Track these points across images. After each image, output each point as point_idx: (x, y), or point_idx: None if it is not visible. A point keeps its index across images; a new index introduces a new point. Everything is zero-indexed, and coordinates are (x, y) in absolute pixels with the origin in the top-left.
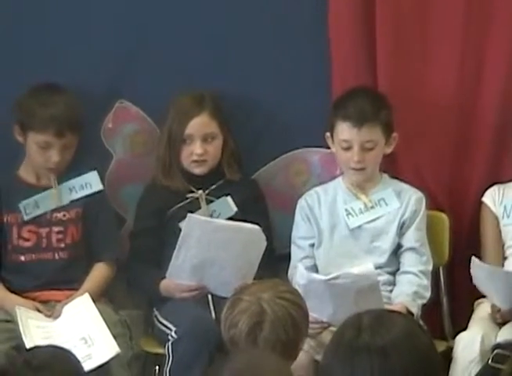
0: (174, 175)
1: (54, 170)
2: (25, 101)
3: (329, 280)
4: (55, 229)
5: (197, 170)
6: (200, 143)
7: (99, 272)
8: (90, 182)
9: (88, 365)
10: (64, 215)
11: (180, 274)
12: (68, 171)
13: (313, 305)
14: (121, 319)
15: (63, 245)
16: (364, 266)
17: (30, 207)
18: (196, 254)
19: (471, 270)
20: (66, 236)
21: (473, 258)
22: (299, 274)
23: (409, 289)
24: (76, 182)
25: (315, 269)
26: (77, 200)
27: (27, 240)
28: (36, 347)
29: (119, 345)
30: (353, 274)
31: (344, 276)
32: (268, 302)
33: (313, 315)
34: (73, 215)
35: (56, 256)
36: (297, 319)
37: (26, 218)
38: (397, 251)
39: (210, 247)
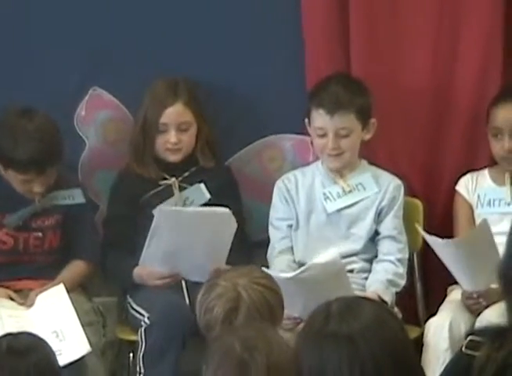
0: (148, 162)
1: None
2: (1, 136)
3: (295, 276)
4: (34, 234)
5: (172, 157)
6: (175, 132)
7: (76, 266)
8: (73, 196)
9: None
10: (43, 222)
11: (152, 261)
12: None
13: (285, 301)
14: (94, 306)
15: (40, 251)
16: (328, 254)
17: (13, 220)
18: (168, 243)
19: (433, 248)
20: (44, 242)
21: (423, 234)
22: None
23: (384, 277)
24: (60, 194)
25: (292, 251)
26: (59, 207)
27: (4, 243)
28: (10, 333)
29: (92, 333)
30: (319, 265)
31: (310, 269)
32: (244, 287)
33: (285, 311)
34: (53, 221)
35: (33, 260)
36: (273, 304)
37: (8, 229)
38: (374, 237)
39: (181, 234)
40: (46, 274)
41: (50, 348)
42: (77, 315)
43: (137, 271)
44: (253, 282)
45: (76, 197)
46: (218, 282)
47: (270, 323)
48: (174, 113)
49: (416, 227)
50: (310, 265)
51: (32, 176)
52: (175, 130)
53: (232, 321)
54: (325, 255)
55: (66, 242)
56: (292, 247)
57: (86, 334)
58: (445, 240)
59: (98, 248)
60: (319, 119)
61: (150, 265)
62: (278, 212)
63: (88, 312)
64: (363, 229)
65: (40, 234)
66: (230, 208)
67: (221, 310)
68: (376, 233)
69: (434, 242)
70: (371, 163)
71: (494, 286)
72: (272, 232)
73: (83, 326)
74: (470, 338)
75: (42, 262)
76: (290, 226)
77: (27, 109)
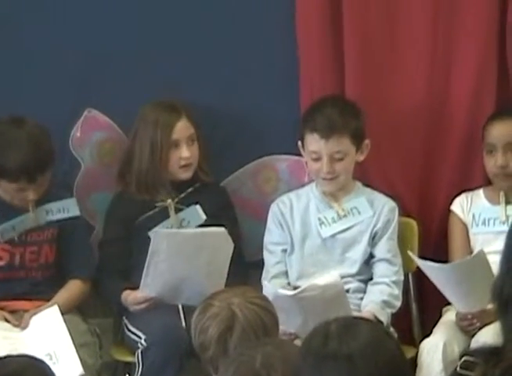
0: (160, 186)
1: (31, 202)
2: None
3: (295, 295)
4: (30, 248)
5: (184, 175)
6: (186, 147)
7: (73, 286)
8: (68, 208)
9: None
10: (39, 236)
11: (152, 289)
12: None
13: (281, 317)
14: (90, 328)
15: (36, 265)
16: (329, 276)
17: (7, 232)
18: (167, 268)
19: (425, 272)
20: (40, 256)
21: (416, 260)
22: (265, 291)
23: (379, 298)
24: (54, 205)
25: (286, 275)
26: (53, 221)
27: (0, 258)
28: (8, 356)
29: (88, 354)
30: (319, 286)
31: (310, 289)
32: (238, 307)
33: (281, 327)
34: (48, 235)
35: (29, 275)
36: (268, 324)
37: (1, 240)
38: (368, 260)
39: (179, 258)
40: (42, 290)
41: (47, 369)
42: (73, 336)
43: (123, 296)
44: (247, 301)
45: (70, 209)
46: (212, 302)
47: None
48: (183, 127)
49: (409, 254)
50: (310, 285)
51: (24, 184)
52: (186, 144)
53: (227, 341)
54: (326, 277)
55: (61, 257)
56: (286, 272)
57: (81, 355)
58: (440, 265)
59: (93, 265)
60: (314, 143)
61: (150, 293)
62: (272, 236)
63: (84, 334)
64: (358, 252)
65: (35, 248)
66: (226, 229)
67: (216, 330)
68: (371, 255)
69: (428, 266)
70: (365, 185)
71: (488, 307)
72: (266, 256)
73: (77, 348)
74: (464, 358)
75: (38, 277)
76: (285, 251)
77: (17, 117)
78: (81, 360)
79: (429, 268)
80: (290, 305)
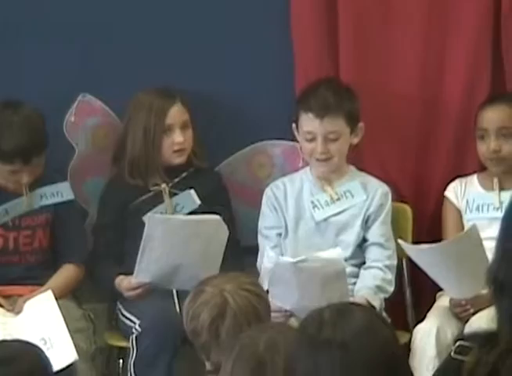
0: (153, 172)
1: (25, 185)
2: None
3: (297, 262)
4: (24, 233)
5: (177, 160)
6: (180, 132)
7: (67, 271)
8: (61, 192)
9: None
10: (33, 220)
11: (146, 275)
12: (39, 175)
13: (278, 292)
14: (84, 313)
15: (30, 249)
16: (332, 251)
17: (0, 215)
18: (161, 254)
19: (411, 256)
20: (33, 240)
21: (399, 241)
22: (267, 257)
23: (372, 283)
24: (47, 189)
25: None
26: (48, 206)
27: None
28: (3, 341)
29: (82, 339)
30: (321, 258)
31: (312, 260)
32: (230, 293)
33: (276, 303)
34: (42, 220)
35: (23, 260)
36: (260, 310)
37: None
38: (362, 244)
39: (173, 245)
40: (36, 275)
41: (41, 354)
42: (67, 321)
43: (117, 281)
44: (239, 288)
45: (64, 193)
46: (204, 288)
47: None
48: (177, 112)
49: (400, 242)
50: (313, 256)
51: (19, 166)
52: (180, 129)
53: (219, 327)
54: (328, 252)
55: (55, 242)
56: (282, 256)
57: (76, 340)
58: (429, 246)
59: (87, 250)
60: (308, 123)
61: (144, 278)
62: (267, 221)
63: (79, 319)
64: (351, 236)
65: (29, 232)
66: (220, 215)
67: (208, 316)
68: (364, 239)
69: (419, 251)
70: (359, 169)
71: (481, 292)
72: (261, 241)
73: (71, 333)
74: (459, 343)
75: (32, 262)
76: (280, 235)
77: (12, 101)
78: (75, 346)
79: (420, 252)
80: (289, 276)
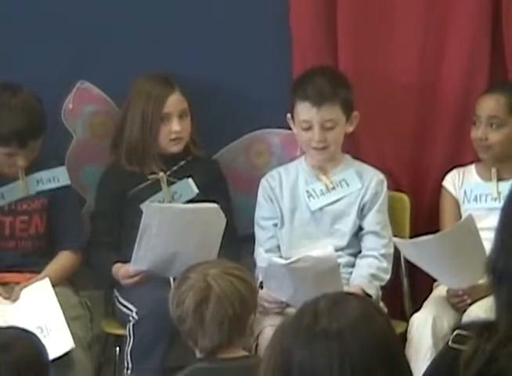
0: (149, 159)
1: (21, 168)
2: None
3: (289, 264)
4: (20, 218)
5: (174, 148)
6: (177, 120)
7: (64, 258)
8: (58, 176)
9: None
10: (29, 205)
11: (143, 263)
12: (35, 160)
13: (273, 285)
14: (81, 300)
15: (26, 235)
16: (324, 249)
17: None
18: (158, 242)
19: (403, 253)
20: (30, 226)
21: (393, 239)
22: (259, 258)
23: (367, 271)
24: (44, 174)
25: (278, 249)
26: (44, 191)
27: None
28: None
29: (79, 327)
30: (313, 257)
31: (304, 260)
32: (214, 278)
33: (272, 294)
34: (38, 205)
35: (19, 246)
36: (245, 294)
37: None
38: (358, 233)
39: (170, 233)
40: (33, 262)
41: (37, 341)
42: (64, 309)
43: (114, 269)
44: (223, 272)
45: (61, 177)
46: (188, 275)
47: (242, 313)
48: (176, 100)
49: (394, 240)
50: (304, 256)
51: (14, 149)
52: (177, 118)
53: (203, 312)
54: (320, 251)
55: (51, 228)
56: (279, 246)
57: (72, 328)
58: (425, 238)
59: (84, 235)
60: (305, 112)
61: (141, 266)
62: (263, 211)
63: (75, 306)
64: (347, 225)
65: (26, 218)
66: (218, 203)
67: (192, 301)
68: (360, 228)
69: (414, 245)
70: (354, 157)
71: (479, 282)
72: (258, 232)
73: (68, 321)
74: (456, 332)
75: (29, 248)
76: (276, 225)
77: (11, 84)
78: (71, 333)
79: (416, 246)
80: (283, 275)
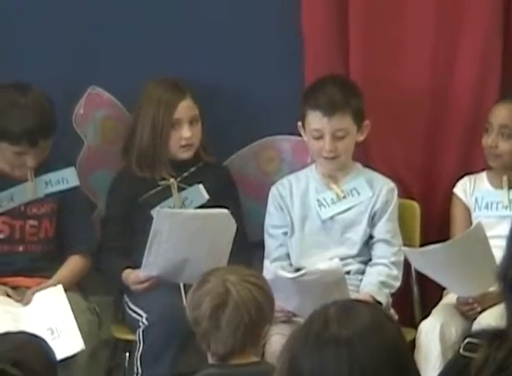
0: (159, 165)
1: (30, 168)
2: None
3: (295, 277)
4: (30, 222)
5: (184, 155)
6: (188, 127)
7: (74, 263)
8: (67, 178)
9: None
10: (39, 209)
11: (154, 269)
12: (44, 162)
13: (280, 296)
14: (90, 306)
15: (36, 239)
16: (330, 262)
17: (5, 201)
18: (168, 247)
19: (411, 262)
20: (40, 230)
21: (402, 248)
22: (266, 270)
23: (376, 279)
24: (53, 176)
25: (288, 257)
26: (53, 194)
27: (0, 231)
28: (8, 333)
29: (87, 332)
30: (319, 270)
31: (310, 273)
32: (233, 284)
33: (279, 303)
34: (48, 209)
35: (28, 249)
36: (262, 302)
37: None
38: (368, 241)
39: (181, 239)
40: (42, 266)
41: (45, 346)
42: (73, 314)
43: (124, 275)
44: (242, 280)
45: (70, 179)
46: (208, 278)
47: (258, 321)
48: (186, 107)
49: (403, 250)
50: (311, 270)
51: (25, 148)
52: (188, 124)
53: (220, 317)
54: (327, 263)
55: (61, 232)
56: (288, 254)
57: (81, 333)
58: (434, 246)
59: (94, 239)
60: (316, 121)
61: (151, 272)
62: (273, 219)
63: (84, 312)
64: (358, 233)
65: (35, 222)
66: (229, 209)
67: (209, 305)
68: (370, 236)
69: (423, 254)
70: (365, 165)
71: (489, 290)
72: (267, 240)
73: (79, 325)
74: (467, 340)
75: (38, 252)
76: (286, 233)
77: (21, 83)
78: (92, 336)
79: (425, 254)
80: (289, 287)
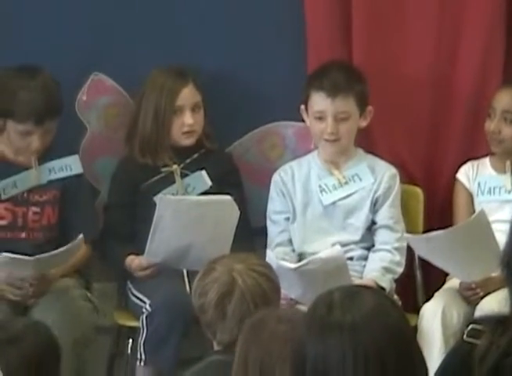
0: (162, 151)
1: (34, 152)
2: (1, 88)
3: (297, 268)
4: (32, 209)
5: (186, 141)
6: (190, 113)
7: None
8: (70, 165)
9: None
10: (41, 196)
11: (157, 255)
12: (48, 150)
13: (283, 285)
14: (82, 293)
15: (38, 226)
16: (332, 249)
17: (9, 187)
18: (171, 234)
19: (414, 249)
20: (42, 217)
21: (405, 235)
22: (268, 259)
23: (379, 265)
24: (56, 163)
25: (290, 243)
26: (56, 181)
27: (2, 217)
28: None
29: (79, 320)
30: (321, 259)
31: (312, 262)
32: (239, 273)
33: (282, 291)
34: (50, 196)
35: (31, 236)
36: (268, 291)
37: (3, 197)
38: (371, 227)
39: (184, 225)
40: (43, 253)
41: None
42: (69, 303)
43: (127, 261)
44: (249, 268)
45: (73, 166)
46: (214, 266)
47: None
48: (189, 93)
49: (405, 236)
50: (312, 259)
51: (31, 127)
52: (190, 111)
53: (226, 306)
54: (327, 251)
55: (63, 219)
56: (290, 240)
57: (75, 323)
58: (437, 233)
59: (97, 226)
60: (319, 102)
61: (155, 258)
62: (275, 205)
63: (76, 299)
64: (360, 219)
65: (38, 209)
66: (232, 195)
67: (215, 294)
68: (373, 222)
69: (426, 240)
70: (367, 151)
71: (492, 275)
72: (270, 226)
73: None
74: (471, 326)
75: (40, 239)
76: (288, 219)
77: (29, 65)
78: (75, 326)
79: (428, 240)
80: (292, 277)
